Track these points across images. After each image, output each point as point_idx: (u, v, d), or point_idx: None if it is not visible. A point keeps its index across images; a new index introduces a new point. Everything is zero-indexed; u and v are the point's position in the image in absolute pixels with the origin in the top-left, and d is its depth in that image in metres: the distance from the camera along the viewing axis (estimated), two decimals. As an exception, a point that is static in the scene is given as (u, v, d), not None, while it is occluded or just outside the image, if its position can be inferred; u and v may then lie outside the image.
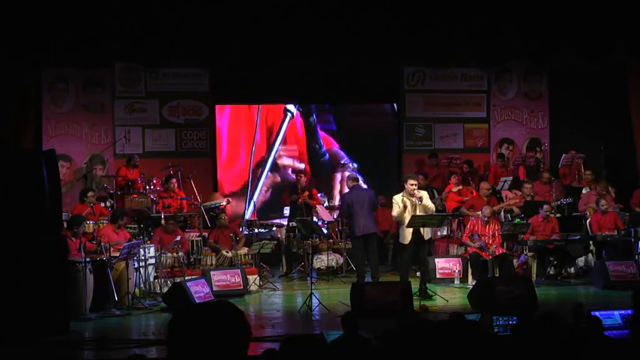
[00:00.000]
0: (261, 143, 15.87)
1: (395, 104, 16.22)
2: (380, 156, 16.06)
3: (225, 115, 15.83)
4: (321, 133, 16.12)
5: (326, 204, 14.51)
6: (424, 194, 11.00)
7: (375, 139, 16.09)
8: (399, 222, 11.04)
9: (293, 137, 16.03)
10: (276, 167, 15.92)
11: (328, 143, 16.12)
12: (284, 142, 15.95)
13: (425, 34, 13.89)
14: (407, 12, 13.59)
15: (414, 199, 10.79)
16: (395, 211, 10.92)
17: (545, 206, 12.59)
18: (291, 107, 15.97)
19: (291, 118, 15.97)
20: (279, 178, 15.88)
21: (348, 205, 11.47)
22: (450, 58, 15.16)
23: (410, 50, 14.58)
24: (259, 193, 15.80)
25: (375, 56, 14.54)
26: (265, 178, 15.85)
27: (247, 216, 15.26)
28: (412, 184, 10.89)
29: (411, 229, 10.77)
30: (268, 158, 15.86)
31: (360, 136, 16.09)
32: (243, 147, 15.85)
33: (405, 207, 10.77)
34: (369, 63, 14.85)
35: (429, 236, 11.15)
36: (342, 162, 16.01)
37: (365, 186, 13.96)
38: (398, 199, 10.95)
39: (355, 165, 15.82)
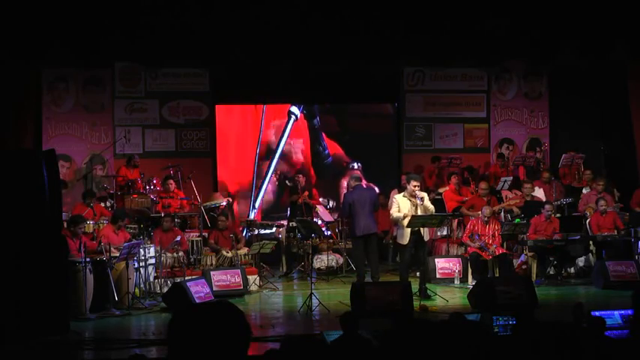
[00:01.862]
0: (265, 145, 15.84)
1: (395, 104, 16.21)
2: (380, 156, 16.05)
3: (230, 116, 15.81)
4: (325, 137, 16.08)
5: (325, 203, 14.49)
6: (425, 195, 11.01)
7: (375, 140, 16.06)
8: (396, 222, 11.02)
9: (297, 139, 16.00)
10: (279, 168, 15.91)
11: (333, 147, 16.08)
12: (288, 144, 15.93)
13: (425, 34, 13.90)
14: (407, 12, 13.60)
15: (415, 200, 10.80)
16: (394, 211, 10.91)
17: (546, 206, 12.58)
18: (295, 110, 15.94)
19: (295, 121, 15.95)
20: (282, 179, 15.85)
21: (349, 205, 11.46)
22: (450, 58, 15.17)
23: (410, 50, 14.60)
24: (263, 194, 15.78)
25: (375, 56, 14.55)
26: (269, 178, 15.83)
27: (251, 216, 15.23)
28: (414, 185, 10.88)
29: (409, 230, 10.77)
30: (272, 159, 15.83)
31: (360, 136, 16.06)
32: (247, 148, 15.82)
33: (405, 213, 10.76)
34: (369, 63, 14.85)
35: (427, 237, 11.16)
36: (347, 164, 15.96)
37: (367, 186, 13.93)
38: (398, 198, 10.96)
39: (359, 165, 15.78)
